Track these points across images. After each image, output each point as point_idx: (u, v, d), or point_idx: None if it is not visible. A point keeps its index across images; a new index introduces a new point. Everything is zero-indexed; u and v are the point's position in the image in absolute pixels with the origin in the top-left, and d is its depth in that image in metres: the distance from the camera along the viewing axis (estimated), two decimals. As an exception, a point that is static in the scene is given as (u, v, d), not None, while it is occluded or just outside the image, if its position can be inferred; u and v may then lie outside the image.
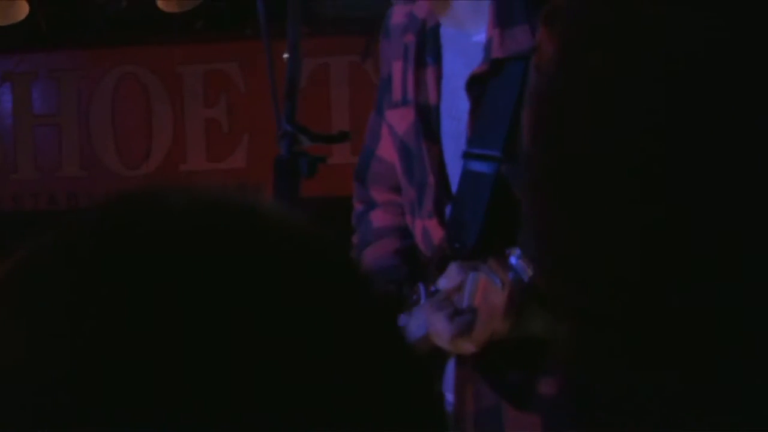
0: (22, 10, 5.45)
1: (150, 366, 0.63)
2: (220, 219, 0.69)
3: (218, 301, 0.65)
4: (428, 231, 2.46)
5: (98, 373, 0.63)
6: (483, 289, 2.26)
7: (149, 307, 0.64)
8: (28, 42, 5.78)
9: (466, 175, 2.40)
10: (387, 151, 2.60)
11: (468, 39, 2.44)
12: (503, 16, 2.36)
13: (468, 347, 2.29)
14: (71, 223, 0.70)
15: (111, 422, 0.63)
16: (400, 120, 2.53)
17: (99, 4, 5.84)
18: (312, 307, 0.67)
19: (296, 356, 0.66)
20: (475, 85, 2.38)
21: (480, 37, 2.41)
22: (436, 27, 2.48)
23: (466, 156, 2.39)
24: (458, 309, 2.29)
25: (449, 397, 2.40)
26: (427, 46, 2.49)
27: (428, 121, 2.48)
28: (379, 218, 2.64)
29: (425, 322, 2.33)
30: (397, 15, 2.55)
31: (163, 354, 0.64)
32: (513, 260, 2.19)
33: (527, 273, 2.18)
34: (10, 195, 5.96)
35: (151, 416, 0.63)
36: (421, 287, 2.38)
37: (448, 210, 2.42)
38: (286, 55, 2.34)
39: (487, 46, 2.37)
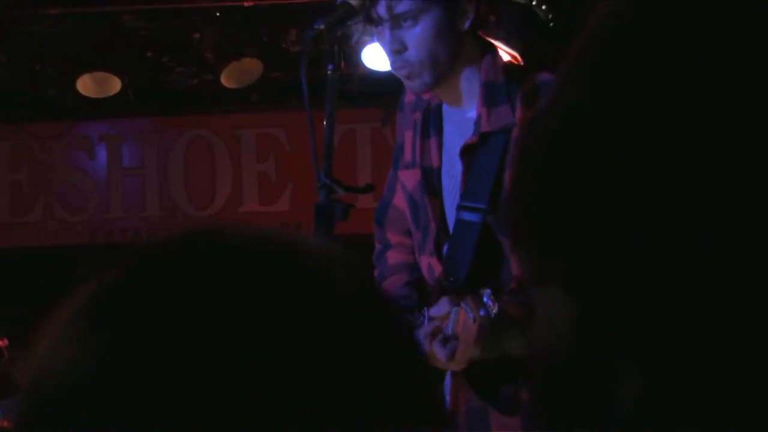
0: (115, 85, 5.39)
1: (204, 377, 0.59)
2: (270, 252, 0.65)
3: (269, 326, 0.61)
4: (431, 266, 2.44)
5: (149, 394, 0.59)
6: (462, 321, 2.22)
7: (203, 333, 0.60)
8: (119, 110, 5.73)
9: (459, 223, 2.37)
10: (400, 201, 2.55)
11: (463, 114, 2.40)
12: (489, 98, 2.33)
13: (456, 366, 2.27)
14: (142, 255, 0.66)
15: None
16: (409, 178, 2.50)
17: (174, 81, 5.76)
18: (350, 328, 0.63)
19: (344, 369, 0.61)
20: (467, 152, 2.35)
21: (472, 113, 2.37)
22: (439, 105, 2.45)
23: (460, 208, 2.37)
24: (446, 336, 2.25)
25: (447, 398, 2.36)
26: (431, 121, 2.47)
27: (431, 180, 2.45)
28: (393, 257, 2.59)
29: (424, 345, 2.27)
30: (409, 94, 2.50)
31: (215, 364, 0.59)
32: (485, 299, 2.18)
33: (494, 309, 2.17)
34: (104, 231, 5.92)
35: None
36: (426, 312, 2.34)
37: (445, 250, 2.40)
38: (323, 122, 2.29)
39: (477, 122, 2.34)
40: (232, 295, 0.61)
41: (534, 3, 4.71)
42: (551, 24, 4.70)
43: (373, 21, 2.30)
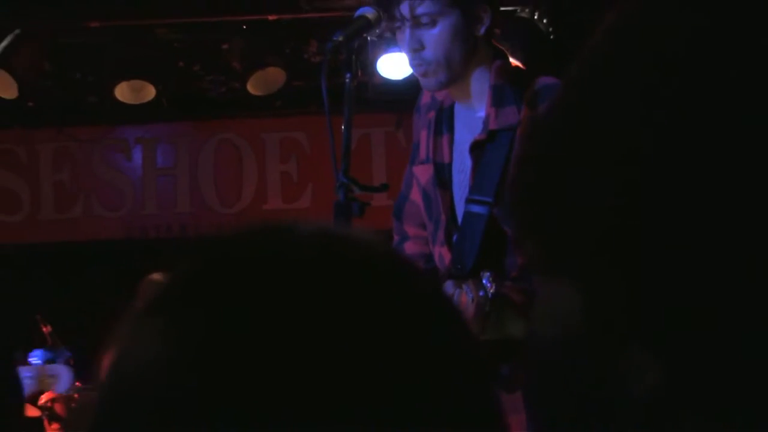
0: (150, 92, 5.39)
1: (270, 363, 0.56)
2: (338, 245, 0.63)
3: (344, 314, 0.58)
4: (442, 255, 2.44)
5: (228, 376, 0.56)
6: (462, 302, 2.20)
7: (275, 320, 0.57)
8: (153, 115, 5.72)
9: (467, 214, 2.37)
10: (416, 195, 2.56)
11: (473, 114, 2.41)
12: (497, 99, 2.34)
13: None
14: (215, 246, 0.64)
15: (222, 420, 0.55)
16: (423, 173, 2.51)
17: (204, 88, 5.77)
18: (413, 315, 0.60)
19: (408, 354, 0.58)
20: (476, 149, 2.36)
21: (481, 113, 2.37)
22: (451, 105, 2.46)
23: (468, 201, 2.37)
24: None
25: None
26: (443, 119, 2.47)
27: (442, 174, 2.46)
28: (410, 248, 2.58)
29: None
30: (425, 97, 2.52)
31: (287, 350, 0.56)
32: (484, 281, 2.17)
33: (491, 290, 2.15)
34: (139, 226, 5.91)
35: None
36: None
37: (454, 240, 2.40)
38: (342, 127, 2.30)
39: (486, 121, 2.35)
40: (310, 288, 0.58)
41: (536, 17, 4.71)
42: (551, 36, 4.70)
43: (395, 20, 2.31)
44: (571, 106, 0.59)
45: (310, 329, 0.57)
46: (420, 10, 2.27)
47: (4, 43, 5.11)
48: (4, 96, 5.21)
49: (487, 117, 2.35)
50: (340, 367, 0.56)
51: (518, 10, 4.71)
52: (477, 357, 0.63)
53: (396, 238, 2.64)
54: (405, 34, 2.31)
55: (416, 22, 2.28)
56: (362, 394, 0.56)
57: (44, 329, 3.87)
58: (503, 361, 2.30)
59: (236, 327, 0.57)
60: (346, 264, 0.61)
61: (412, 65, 2.35)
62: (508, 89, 2.34)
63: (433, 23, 2.29)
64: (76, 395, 3.62)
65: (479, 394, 0.62)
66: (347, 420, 0.55)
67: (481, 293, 2.17)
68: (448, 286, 2.27)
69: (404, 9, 2.28)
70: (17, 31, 5.13)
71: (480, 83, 2.38)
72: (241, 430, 0.55)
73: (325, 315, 0.57)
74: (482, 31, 2.33)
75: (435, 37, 2.29)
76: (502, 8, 2.44)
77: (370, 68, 4.82)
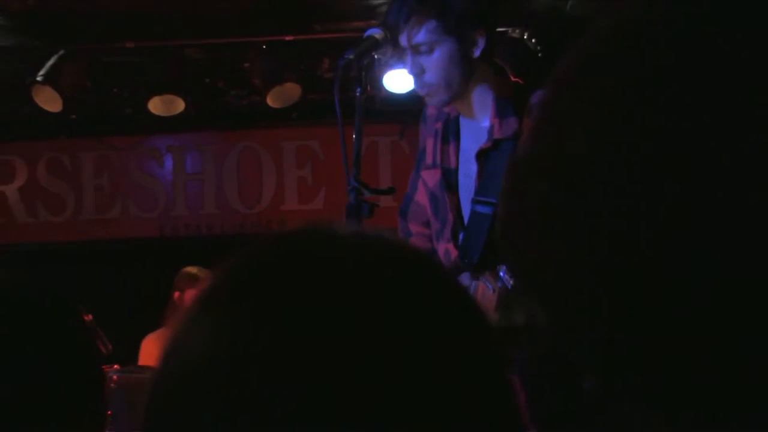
0: (179, 105, 5.39)
1: (325, 365, 0.53)
2: (376, 245, 0.61)
3: (391, 311, 0.56)
4: (448, 251, 2.42)
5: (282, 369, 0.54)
6: (480, 292, 2.18)
7: (327, 317, 0.55)
8: (183, 126, 5.72)
9: (473, 214, 2.36)
10: (421, 197, 2.55)
11: (478, 125, 2.40)
12: (500, 111, 2.33)
13: None
14: (265, 246, 0.62)
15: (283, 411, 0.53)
16: (430, 177, 2.50)
17: (228, 102, 5.77)
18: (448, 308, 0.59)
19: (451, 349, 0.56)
20: (482, 156, 2.35)
21: (485, 123, 2.37)
22: (457, 117, 2.45)
23: (474, 201, 2.36)
24: None
25: None
26: (450, 130, 2.46)
27: (450, 178, 2.45)
28: (413, 244, 2.57)
29: None
30: (431, 108, 2.51)
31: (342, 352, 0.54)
32: (501, 273, 2.14)
33: (510, 282, 2.13)
34: (170, 225, 5.91)
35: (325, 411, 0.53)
36: None
37: (461, 237, 2.39)
38: (353, 136, 2.30)
39: (490, 130, 2.34)
40: (353, 284, 0.57)
41: (525, 37, 4.72)
42: (539, 54, 4.70)
43: (399, 48, 2.31)
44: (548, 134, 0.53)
45: (356, 320, 0.55)
46: (417, 39, 2.27)
47: (50, 62, 5.13)
48: (50, 110, 5.23)
49: (492, 127, 2.35)
50: (381, 354, 0.54)
51: (509, 31, 4.72)
52: (499, 347, 0.62)
53: (401, 233, 2.63)
54: (408, 59, 2.31)
55: (415, 50, 2.28)
56: (409, 384, 0.53)
57: (86, 317, 3.88)
58: (509, 346, 2.26)
59: (288, 320, 0.55)
60: (385, 262, 0.59)
61: (416, 87, 2.35)
62: (509, 102, 2.33)
63: (430, 50, 2.27)
64: (114, 377, 3.63)
65: (501, 379, 0.60)
66: (394, 405, 0.53)
67: (499, 284, 2.15)
68: (465, 278, 2.26)
69: (403, 39, 2.28)
70: (62, 52, 5.15)
71: (482, 98, 2.37)
72: (294, 419, 0.52)
73: (370, 308, 0.56)
74: (478, 53, 2.31)
75: (434, 62, 2.28)
76: (493, 27, 2.41)
77: (377, 83, 4.81)
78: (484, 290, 2.19)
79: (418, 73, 2.31)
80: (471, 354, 0.58)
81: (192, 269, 4.59)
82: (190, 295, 4.50)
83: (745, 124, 0.45)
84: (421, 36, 2.27)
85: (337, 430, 0.52)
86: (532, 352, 1.95)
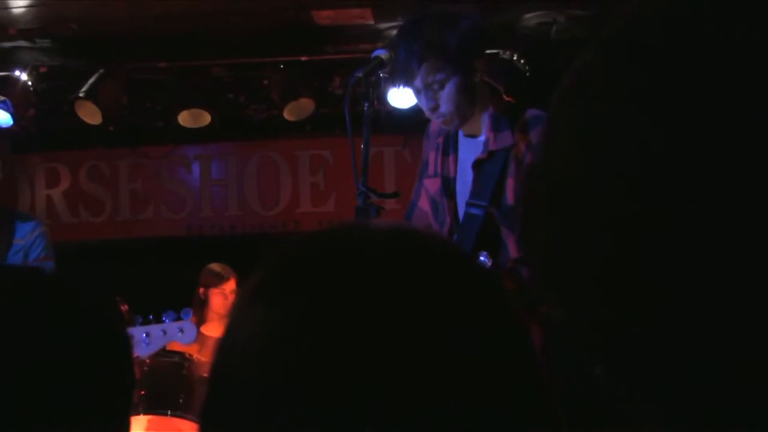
0: (206, 118, 5.40)
1: (358, 357, 0.52)
2: (409, 240, 0.59)
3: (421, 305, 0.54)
4: None
5: (319, 362, 0.52)
6: None
7: (361, 311, 0.53)
8: (209, 137, 5.72)
9: (467, 215, 2.37)
10: (424, 203, 2.55)
11: (475, 139, 2.41)
12: (495, 126, 2.35)
13: None
14: (302, 243, 0.60)
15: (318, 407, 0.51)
16: (432, 185, 2.51)
17: (249, 115, 5.73)
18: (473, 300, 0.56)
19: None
20: (478, 165, 2.37)
21: (482, 137, 2.38)
22: (456, 132, 2.46)
23: (468, 204, 2.37)
24: None
25: None
26: (449, 143, 2.48)
27: (448, 186, 2.47)
28: None
29: None
30: (434, 125, 2.52)
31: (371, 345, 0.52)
32: (482, 258, 2.14)
33: (489, 264, 2.12)
34: (197, 226, 5.90)
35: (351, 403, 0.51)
36: None
37: (456, 236, 2.39)
38: (361, 146, 2.30)
39: (486, 143, 2.36)
40: (387, 274, 0.55)
41: (515, 59, 4.72)
42: (527, 73, 4.70)
43: (415, 89, 2.34)
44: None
45: (392, 309, 0.53)
46: (428, 79, 2.30)
47: (91, 80, 5.16)
48: (91, 122, 5.26)
49: (487, 140, 2.36)
50: (414, 338, 0.52)
51: (501, 53, 4.71)
52: (523, 324, 0.59)
53: None
54: (422, 97, 2.34)
55: (429, 88, 2.31)
56: (441, 368, 0.51)
57: (122, 307, 3.88)
58: None
59: (327, 308, 0.54)
60: (419, 254, 0.57)
61: (433, 117, 2.38)
62: (503, 118, 2.36)
63: (441, 86, 2.31)
64: (148, 360, 3.62)
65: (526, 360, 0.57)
66: (427, 380, 0.51)
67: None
68: None
69: (418, 81, 2.31)
70: (101, 71, 5.19)
71: (481, 115, 2.40)
72: (332, 398, 0.51)
73: (405, 297, 0.54)
74: (478, 78, 2.35)
75: (445, 96, 2.32)
76: (487, 51, 2.43)
77: (382, 99, 4.81)
78: None
79: (433, 107, 2.34)
80: (501, 342, 0.56)
81: (216, 266, 4.59)
82: (213, 291, 4.50)
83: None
84: (432, 76, 2.30)
85: (373, 408, 0.51)
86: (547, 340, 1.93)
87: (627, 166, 0.42)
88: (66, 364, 0.77)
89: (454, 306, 0.55)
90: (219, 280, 4.50)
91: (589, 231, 0.43)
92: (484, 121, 2.39)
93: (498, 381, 0.54)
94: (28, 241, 3.03)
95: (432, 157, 2.53)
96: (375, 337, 0.52)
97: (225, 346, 0.58)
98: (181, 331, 3.15)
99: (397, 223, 0.61)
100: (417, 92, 2.35)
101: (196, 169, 5.99)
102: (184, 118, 5.43)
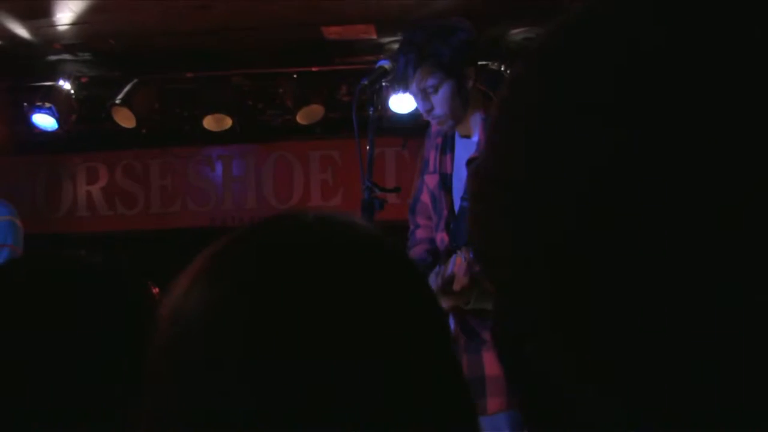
0: (228, 122, 5.39)
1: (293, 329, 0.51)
2: (339, 228, 0.59)
3: (342, 289, 0.53)
4: (443, 239, 2.41)
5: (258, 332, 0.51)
6: (458, 262, 2.16)
7: (293, 292, 0.53)
8: (230, 139, 5.70)
9: (462, 208, 2.35)
10: (425, 197, 2.54)
11: (470, 140, 2.39)
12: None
13: (457, 287, 2.15)
14: (242, 232, 0.60)
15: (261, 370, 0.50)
16: (431, 180, 2.49)
17: (266, 120, 5.70)
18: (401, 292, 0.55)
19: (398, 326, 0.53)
20: (471, 163, 2.35)
21: (475, 138, 2.36)
22: (453, 133, 2.44)
23: (462, 198, 2.35)
24: (444, 276, 2.20)
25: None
26: (447, 143, 2.45)
27: (446, 181, 2.44)
28: (420, 234, 2.56)
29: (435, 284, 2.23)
30: (434, 127, 2.48)
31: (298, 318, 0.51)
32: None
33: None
34: (220, 218, 5.88)
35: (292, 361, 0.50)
36: (439, 267, 2.30)
37: (452, 226, 2.39)
38: (367, 146, 2.32)
39: (479, 143, 2.34)
40: (316, 257, 0.54)
41: (503, 69, 4.70)
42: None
43: (411, 92, 2.32)
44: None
45: (318, 283, 0.53)
46: (424, 84, 2.29)
47: (126, 89, 5.18)
48: (126, 126, 5.27)
49: (480, 140, 2.35)
50: (337, 309, 0.51)
51: (490, 64, 4.70)
52: (441, 311, 0.58)
53: (411, 226, 2.63)
54: (419, 99, 2.33)
55: (424, 92, 2.30)
56: (364, 341, 0.51)
57: (154, 290, 3.87)
58: (485, 326, 2.25)
59: (264, 285, 0.53)
60: (343, 239, 0.57)
61: (429, 119, 2.36)
62: None
63: (436, 90, 2.29)
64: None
65: (444, 341, 0.56)
66: (353, 349, 0.50)
67: (471, 254, 2.14)
68: (453, 257, 2.24)
69: (414, 86, 2.30)
70: (135, 80, 5.20)
71: (475, 119, 2.37)
72: (272, 358, 0.50)
73: (328, 273, 0.54)
74: (470, 84, 2.33)
75: (440, 99, 2.30)
76: (478, 61, 2.41)
77: (385, 105, 4.80)
78: (459, 260, 2.19)
79: (428, 110, 2.32)
80: (415, 321, 0.54)
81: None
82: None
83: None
84: (427, 82, 2.28)
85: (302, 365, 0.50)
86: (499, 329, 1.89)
87: (571, 169, 0.37)
88: (117, 335, 0.78)
89: (372, 280, 0.54)
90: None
91: (535, 231, 0.38)
92: (477, 124, 2.37)
93: (409, 346, 0.52)
94: None
95: (432, 155, 2.51)
96: (307, 308, 0.52)
97: (171, 318, 0.56)
98: None
99: (326, 212, 0.60)
100: (415, 96, 2.34)
101: (218, 167, 5.98)
102: (209, 123, 5.43)
